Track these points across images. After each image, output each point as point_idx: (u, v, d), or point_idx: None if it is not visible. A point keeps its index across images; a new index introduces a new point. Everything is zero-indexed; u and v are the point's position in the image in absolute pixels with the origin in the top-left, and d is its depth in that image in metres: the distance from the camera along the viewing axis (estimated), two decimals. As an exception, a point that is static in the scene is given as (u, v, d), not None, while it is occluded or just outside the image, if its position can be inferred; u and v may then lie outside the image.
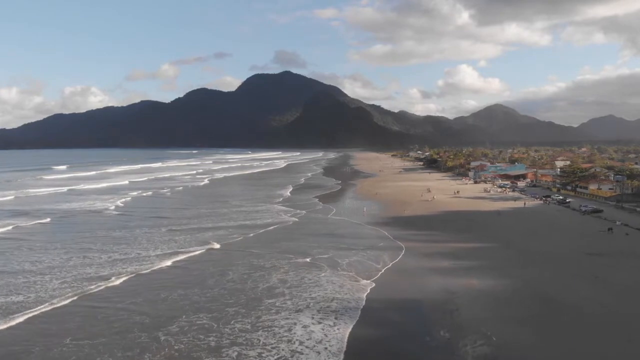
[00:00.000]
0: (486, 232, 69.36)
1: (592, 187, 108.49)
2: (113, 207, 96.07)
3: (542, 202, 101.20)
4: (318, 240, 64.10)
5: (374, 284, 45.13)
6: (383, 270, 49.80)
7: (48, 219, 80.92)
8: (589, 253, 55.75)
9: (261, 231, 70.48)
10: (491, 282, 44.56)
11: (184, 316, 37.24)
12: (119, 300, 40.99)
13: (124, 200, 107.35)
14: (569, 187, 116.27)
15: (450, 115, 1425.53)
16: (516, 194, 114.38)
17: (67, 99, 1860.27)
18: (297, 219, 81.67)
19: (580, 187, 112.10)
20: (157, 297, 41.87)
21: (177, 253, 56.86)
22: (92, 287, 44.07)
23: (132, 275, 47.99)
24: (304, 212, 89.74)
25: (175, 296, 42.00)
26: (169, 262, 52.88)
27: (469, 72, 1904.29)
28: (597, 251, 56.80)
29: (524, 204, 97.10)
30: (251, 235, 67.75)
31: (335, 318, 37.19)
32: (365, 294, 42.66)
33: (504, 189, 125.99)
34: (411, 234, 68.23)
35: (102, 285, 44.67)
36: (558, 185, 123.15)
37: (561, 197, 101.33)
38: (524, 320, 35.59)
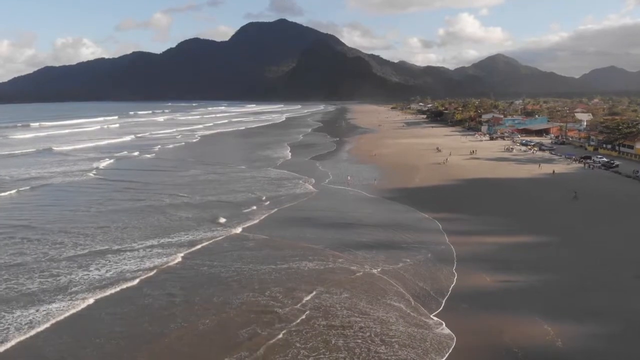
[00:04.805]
0: (529, 214, 50.93)
1: (639, 145, 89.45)
2: (94, 172, 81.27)
3: (581, 165, 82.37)
4: (325, 228, 46.15)
5: (453, 336, 25.49)
6: (449, 293, 31.12)
7: (13, 191, 64.91)
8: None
9: (248, 224, 48.08)
10: (576, 329, 26.28)
11: None
12: None
13: (110, 162, 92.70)
14: (609, 146, 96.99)
15: (451, 65, 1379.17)
16: (546, 154, 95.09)
17: (58, 50, 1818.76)
18: (296, 193, 62.66)
19: (624, 146, 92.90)
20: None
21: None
22: None
23: None
24: (307, 179, 72.06)
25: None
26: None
27: (470, 21, 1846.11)
28: None
29: (553, 171, 75.66)
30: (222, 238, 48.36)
31: None
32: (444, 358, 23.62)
33: (529, 147, 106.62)
34: (435, 217, 49.67)
35: None
36: (593, 143, 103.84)
37: (606, 159, 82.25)
38: None
